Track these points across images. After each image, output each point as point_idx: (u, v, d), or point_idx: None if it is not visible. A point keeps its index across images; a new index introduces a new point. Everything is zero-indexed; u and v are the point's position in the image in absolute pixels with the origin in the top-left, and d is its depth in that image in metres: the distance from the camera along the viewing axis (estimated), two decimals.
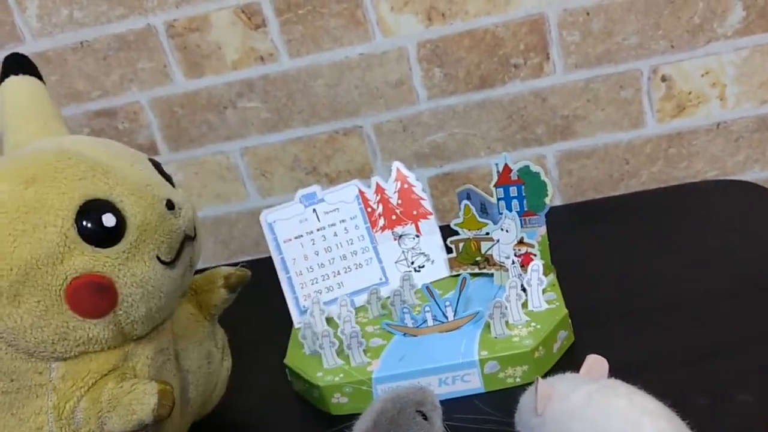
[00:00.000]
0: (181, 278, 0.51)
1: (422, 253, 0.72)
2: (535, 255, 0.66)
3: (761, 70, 0.82)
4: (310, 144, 0.91)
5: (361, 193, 0.71)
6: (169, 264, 0.49)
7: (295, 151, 0.91)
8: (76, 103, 0.89)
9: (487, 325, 0.61)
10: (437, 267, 0.72)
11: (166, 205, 0.49)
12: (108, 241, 0.46)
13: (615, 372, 0.48)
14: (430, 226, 0.72)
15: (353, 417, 0.51)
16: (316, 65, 0.86)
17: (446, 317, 0.63)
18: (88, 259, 0.46)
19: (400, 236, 0.72)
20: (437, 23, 0.83)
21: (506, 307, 0.60)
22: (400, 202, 0.71)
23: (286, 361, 0.65)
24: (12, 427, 0.49)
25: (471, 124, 0.88)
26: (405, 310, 0.63)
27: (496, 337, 0.60)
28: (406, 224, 0.72)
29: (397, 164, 0.71)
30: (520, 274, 0.63)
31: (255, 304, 0.69)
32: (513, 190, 0.67)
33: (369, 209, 0.71)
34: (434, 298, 0.63)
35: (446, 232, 0.70)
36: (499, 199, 0.67)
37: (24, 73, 0.57)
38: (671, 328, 0.61)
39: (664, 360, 0.57)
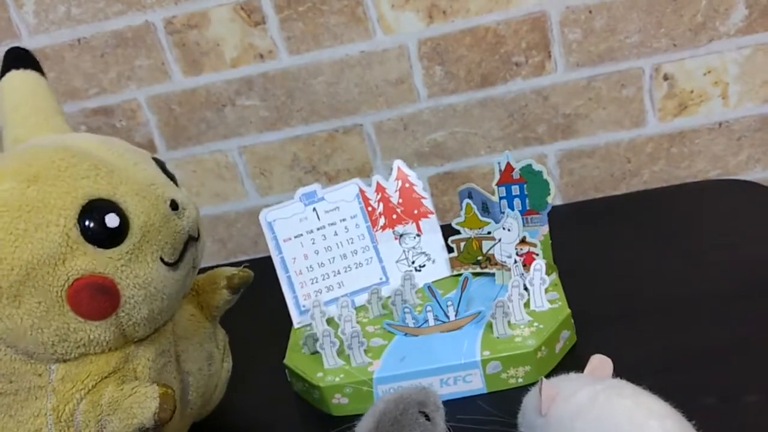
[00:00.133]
0: (184, 279, 0.51)
1: (423, 253, 0.71)
2: (537, 254, 0.65)
3: (764, 69, 0.82)
4: (309, 142, 0.90)
5: (362, 191, 0.70)
6: (173, 265, 0.49)
7: (295, 150, 0.90)
8: (72, 101, 0.89)
9: (489, 325, 0.61)
10: (438, 266, 0.71)
11: (170, 205, 0.48)
12: (111, 241, 0.46)
13: (618, 373, 0.47)
14: (431, 225, 0.71)
15: (354, 418, 0.50)
16: (316, 63, 0.85)
17: (448, 317, 0.62)
18: (91, 260, 0.45)
19: (401, 235, 0.71)
20: (438, 21, 0.83)
21: (509, 307, 0.60)
22: (400, 201, 0.71)
23: (286, 361, 0.64)
24: (10, 429, 0.48)
25: (472, 123, 0.87)
26: (406, 309, 0.63)
27: (498, 337, 0.60)
28: (406, 223, 0.71)
29: (398, 163, 0.71)
30: (523, 274, 0.63)
31: (254, 304, 0.68)
32: (515, 189, 0.66)
33: (369, 208, 0.70)
34: (436, 298, 0.62)
35: (447, 231, 0.70)
36: (500, 198, 0.67)
37: (25, 67, 0.56)
38: (674, 328, 0.60)
39: (668, 361, 0.57)
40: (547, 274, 0.63)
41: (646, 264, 0.70)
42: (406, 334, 0.63)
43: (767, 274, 0.64)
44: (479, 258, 0.69)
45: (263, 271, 0.70)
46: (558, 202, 0.89)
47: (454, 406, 0.51)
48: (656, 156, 0.87)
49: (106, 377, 0.48)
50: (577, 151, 0.88)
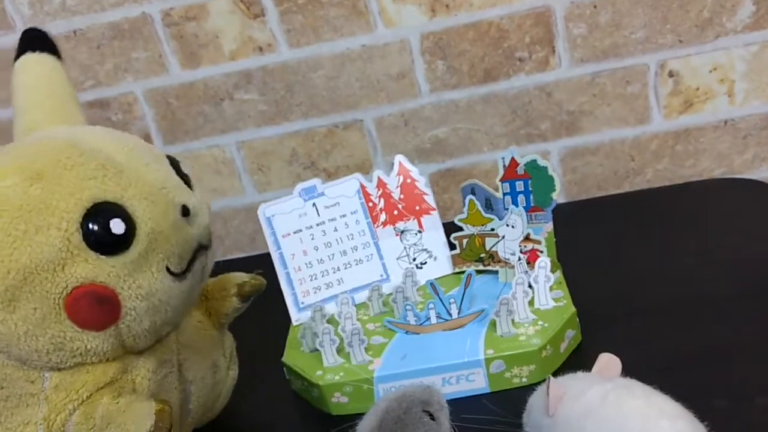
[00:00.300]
0: (190, 290, 0.48)
1: (424, 250, 0.70)
2: (541, 251, 0.64)
3: None
4: (308, 138, 0.89)
5: (363, 187, 0.69)
6: (179, 276, 0.46)
7: (293, 145, 0.89)
8: None
9: (493, 323, 0.59)
10: (440, 264, 0.70)
11: (181, 211, 0.46)
12: (114, 248, 0.43)
13: (624, 372, 0.46)
14: (433, 222, 0.70)
15: (353, 417, 0.49)
16: (316, 56, 0.84)
17: (450, 315, 0.61)
18: (92, 268, 0.43)
19: (402, 232, 0.70)
20: (441, 15, 0.81)
21: (513, 305, 0.59)
22: (402, 196, 0.70)
23: (285, 359, 0.63)
24: None
25: (474, 119, 0.86)
26: (408, 307, 0.61)
27: (501, 336, 0.59)
28: (408, 220, 0.70)
29: (399, 158, 0.70)
30: (527, 271, 0.62)
31: (252, 300, 0.66)
32: (519, 185, 0.65)
33: (370, 204, 0.69)
34: (438, 295, 0.61)
35: (449, 228, 0.69)
36: (504, 194, 0.66)
37: (42, 50, 0.53)
38: (679, 327, 0.60)
39: (674, 360, 0.56)
40: (552, 271, 0.62)
41: (650, 263, 0.69)
42: (407, 332, 0.62)
43: None
44: (482, 255, 0.68)
45: (261, 267, 0.69)
46: (561, 200, 0.88)
47: (456, 405, 0.50)
48: (661, 154, 0.86)
49: (101, 388, 0.46)
50: (580, 148, 0.87)
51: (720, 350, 0.56)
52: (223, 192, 0.92)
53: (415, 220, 0.70)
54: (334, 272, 0.68)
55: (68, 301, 0.42)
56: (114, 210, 0.43)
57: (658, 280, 0.66)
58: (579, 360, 0.57)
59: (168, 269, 0.45)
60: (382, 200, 0.70)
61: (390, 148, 0.88)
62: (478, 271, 0.67)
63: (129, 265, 0.43)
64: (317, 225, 0.68)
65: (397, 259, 0.70)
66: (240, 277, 0.58)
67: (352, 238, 0.69)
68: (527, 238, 0.64)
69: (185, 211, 0.46)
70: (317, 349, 0.60)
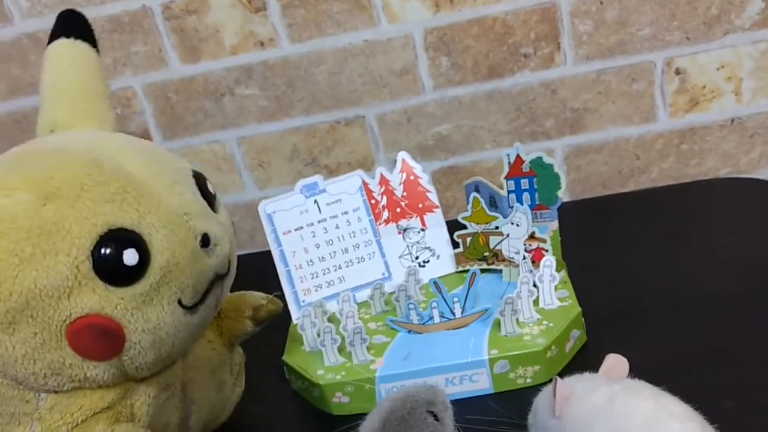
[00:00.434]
0: (201, 322, 0.46)
1: (427, 248, 0.69)
2: (546, 250, 0.63)
3: None
4: (309, 134, 0.88)
5: (365, 184, 0.68)
6: (191, 309, 0.44)
7: (294, 141, 0.88)
8: None
9: (497, 323, 0.59)
10: (443, 262, 0.69)
11: (201, 241, 0.43)
12: (125, 280, 0.41)
13: (631, 374, 0.45)
14: (436, 220, 0.69)
15: (355, 417, 0.48)
16: (318, 51, 0.83)
17: (454, 314, 0.60)
18: (99, 299, 0.40)
19: (405, 230, 0.69)
20: (445, 10, 0.80)
21: (518, 304, 0.58)
22: (405, 194, 0.69)
23: (285, 358, 0.62)
24: None
25: (478, 116, 0.85)
26: (410, 306, 0.60)
27: (506, 336, 0.58)
28: (411, 217, 0.69)
29: (402, 155, 0.69)
30: (532, 270, 0.61)
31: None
32: (524, 183, 0.64)
33: (372, 201, 0.68)
34: (442, 294, 0.60)
35: (452, 226, 0.68)
36: (509, 192, 0.65)
37: (77, 36, 0.50)
38: (685, 327, 0.59)
39: (680, 361, 0.55)
40: (557, 270, 0.61)
41: (655, 263, 0.68)
42: (409, 331, 0.61)
43: None
44: (486, 254, 0.67)
45: (261, 264, 0.68)
46: (564, 198, 0.87)
47: (460, 406, 0.49)
48: (666, 153, 0.85)
49: (98, 413, 0.44)
50: (585, 146, 0.86)
51: (727, 350, 0.55)
52: (223, 188, 0.91)
53: (418, 218, 0.69)
54: (335, 270, 0.67)
55: (70, 330, 0.40)
56: (129, 238, 0.41)
57: (663, 280, 0.66)
58: (584, 360, 0.56)
59: (180, 302, 0.43)
60: (384, 197, 0.69)
61: (392, 144, 0.87)
62: (482, 270, 0.66)
63: (138, 298, 0.41)
64: (318, 222, 0.67)
65: (400, 257, 0.69)
66: (257, 299, 0.56)
67: (353, 236, 0.68)
68: (532, 237, 0.64)
69: (205, 241, 0.44)
70: (318, 348, 0.59)
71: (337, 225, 0.68)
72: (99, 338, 0.41)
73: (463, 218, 0.67)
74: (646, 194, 0.85)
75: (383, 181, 0.69)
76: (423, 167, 0.69)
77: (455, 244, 0.68)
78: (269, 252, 0.66)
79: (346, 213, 0.68)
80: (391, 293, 0.65)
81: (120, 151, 0.44)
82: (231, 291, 0.55)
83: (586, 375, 0.47)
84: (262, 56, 0.84)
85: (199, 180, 0.47)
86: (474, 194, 0.66)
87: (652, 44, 0.80)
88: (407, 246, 0.69)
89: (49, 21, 0.82)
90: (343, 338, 0.59)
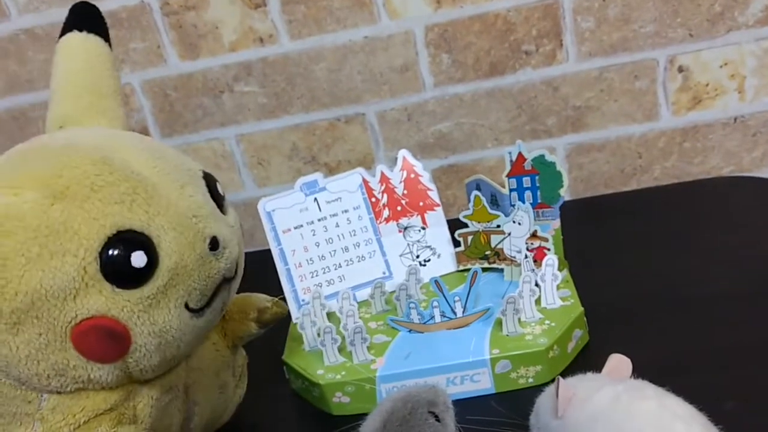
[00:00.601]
0: (207, 325, 0.45)
1: (428, 247, 0.69)
2: (548, 249, 0.63)
3: None
4: (309, 132, 0.87)
5: (365, 182, 0.68)
6: (198, 312, 0.43)
7: (294, 139, 0.87)
8: None
9: (498, 323, 0.58)
10: (444, 261, 0.68)
11: (210, 243, 0.43)
12: (132, 282, 0.40)
13: (633, 374, 0.45)
14: (437, 218, 0.69)
15: (355, 418, 0.48)
16: (318, 48, 0.82)
17: (455, 313, 0.59)
18: (105, 301, 0.40)
19: (405, 228, 0.68)
20: (446, 6, 0.80)
21: (520, 304, 0.57)
22: (405, 192, 0.68)
23: (285, 358, 0.61)
24: None
25: (479, 114, 0.84)
26: (411, 305, 0.60)
27: (508, 335, 0.57)
28: (411, 216, 0.68)
29: (403, 152, 0.68)
30: (534, 269, 0.60)
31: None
32: (526, 181, 0.64)
33: (373, 199, 0.68)
34: (443, 293, 0.59)
35: (453, 224, 0.67)
36: (511, 190, 0.64)
37: (90, 30, 0.49)
38: (686, 328, 0.58)
39: (683, 361, 0.55)
40: (559, 269, 0.60)
41: (655, 263, 0.68)
42: (410, 331, 0.60)
43: None
44: (487, 253, 0.66)
45: (261, 263, 0.67)
46: (566, 197, 0.86)
47: (461, 406, 0.49)
48: (668, 151, 0.85)
49: (100, 414, 0.43)
50: (587, 144, 0.85)
51: (730, 350, 0.55)
52: (222, 186, 0.91)
53: (419, 217, 0.69)
54: (335, 269, 0.67)
55: (76, 331, 0.40)
56: (138, 240, 0.40)
57: (666, 279, 0.65)
58: (586, 360, 0.56)
59: (186, 305, 0.42)
60: (385, 196, 0.68)
61: (392, 142, 0.87)
62: (483, 269, 0.65)
63: (145, 301, 0.41)
64: (319, 220, 0.67)
65: (400, 256, 0.68)
66: (262, 301, 0.55)
67: (354, 234, 0.67)
68: (534, 235, 0.63)
69: (214, 244, 0.43)
70: (318, 348, 0.58)
71: (337, 223, 0.67)
72: (104, 340, 0.41)
73: (465, 217, 0.66)
74: (649, 193, 0.84)
75: (384, 179, 0.68)
76: (423, 165, 0.68)
77: (456, 243, 0.68)
78: (269, 250, 0.66)
79: (346, 211, 0.67)
80: (392, 292, 0.64)
81: (130, 151, 0.44)
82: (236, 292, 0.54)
83: (589, 375, 0.47)
84: (262, 53, 0.83)
85: (209, 181, 0.46)
86: (475, 192, 0.65)
87: (655, 41, 0.80)
88: (408, 244, 0.68)
89: (47, 17, 0.83)
90: (343, 338, 0.58)
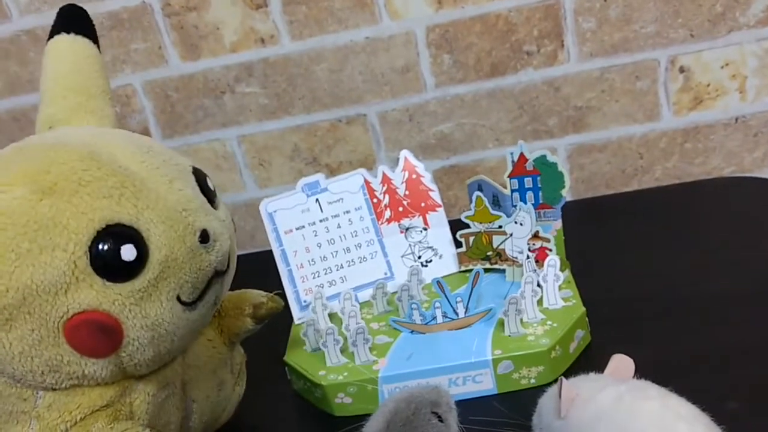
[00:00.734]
0: (201, 319, 0.45)
1: (430, 247, 0.68)
2: (550, 250, 0.63)
3: None
4: (310, 132, 0.87)
5: (367, 183, 0.68)
6: (190, 305, 0.43)
7: (295, 140, 0.87)
8: None
9: (500, 323, 0.58)
10: (445, 262, 0.68)
11: (200, 236, 0.43)
12: (123, 275, 0.40)
13: (636, 374, 0.45)
14: (439, 219, 0.69)
15: (357, 418, 0.48)
16: (319, 49, 0.82)
17: (457, 314, 0.59)
18: (96, 295, 0.40)
19: (407, 229, 0.68)
20: (447, 6, 0.80)
21: (522, 304, 0.57)
22: (407, 193, 0.68)
23: (286, 358, 0.61)
24: None
25: (480, 114, 0.84)
26: (413, 306, 0.60)
27: (510, 336, 0.57)
28: (413, 216, 0.68)
29: (405, 153, 0.68)
30: (535, 270, 0.60)
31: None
32: (528, 182, 0.64)
33: (375, 200, 0.68)
34: (445, 294, 0.59)
35: (455, 225, 0.67)
36: (512, 191, 0.64)
37: (77, 31, 0.50)
38: (688, 328, 0.58)
39: (685, 361, 0.54)
40: (561, 270, 0.60)
41: (657, 264, 0.68)
42: (412, 332, 0.60)
43: None
44: (489, 253, 0.66)
45: (262, 264, 0.67)
46: (567, 198, 0.86)
47: (463, 406, 0.48)
48: (669, 151, 0.85)
49: (97, 411, 0.43)
50: (588, 145, 0.85)
51: (732, 351, 0.55)
52: (223, 187, 0.91)
53: (421, 217, 0.68)
54: (337, 270, 0.67)
55: (68, 326, 0.40)
56: (127, 234, 0.40)
57: (667, 279, 0.65)
58: (588, 361, 0.55)
59: (179, 298, 0.42)
60: (386, 196, 0.68)
61: (394, 143, 0.86)
62: (485, 270, 0.65)
63: (136, 294, 0.41)
64: (320, 221, 0.67)
65: (402, 256, 0.68)
66: (257, 296, 0.55)
67: (355, 235, 0.67)
68: (536, 236, 0.63)
69: (204, 237, 0.43)
70: (320, 348, 0.58)
71: (338, 224, 0.67)
72: (96, 334, 0.41)
73: (466, 217, 0.66)
74: (650, 193, 0.84)
75: (385, 179, 0.68)
76: (425, 166, 0.68)
77: (458, 244, 0.68)
78: (270, 251, 0.66)
79: (348, 212, 0.67)
80: (394, 293, 0.64)
81: (118, 147, 0.44)
82: (231, 290, 0.54)
83: (592, 375, 0.46)
84: (263, 54, 0.83)
85: (199, 176, 0.47)
86: (477, 193, 0.65)
87: (656, 42, 0.80)
88: (409, 245, 0.68)
89: (48, 17, 0.82)
90: (345, 338, 0.58)
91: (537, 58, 0.81)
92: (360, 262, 0.67)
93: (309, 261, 0.66)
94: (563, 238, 0.65)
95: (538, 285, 0.59)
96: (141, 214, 0.41)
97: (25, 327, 0.40)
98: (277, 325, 0.65)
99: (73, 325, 0.40)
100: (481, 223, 0.66)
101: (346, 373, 0.57)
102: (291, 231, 0.66)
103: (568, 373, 0.54)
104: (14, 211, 0.39)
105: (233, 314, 0.54)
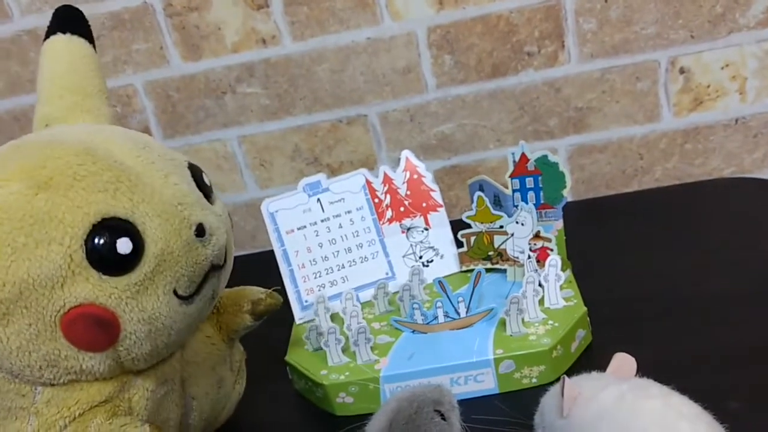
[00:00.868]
0: (198, 313, 0.45)
1: (431, 247, 0.69)
2: (551, 249, 0.63)
3: None
4: (311, 133, 0.87)
5: (368, 182, 0.68)
6: (187, 299, 0.43)
7: (296, 140, 0.88)
8: None
9: (502, 323, 0.58)
10: (447, 262, 0.68)
11: (196, 230, 0.43)
12: (119, 269, 0.40)
13: (637, 373, 0.45)
14: (440, 219, 0.69)
15: (359, 418, 0.48)
16: (321, 49, 0.83)
17: (458, 314, 0.59)
18: (92, 288, 0.40)
19: (408, 229, 0.68)
20: (449, 7, 0.80)
21: (523, 304, 0.57)
22: (408, 193, 0.68)
23: (288, 358, 0.61)
24: None
25: (481, 115, 0.84)
26: (415, 305, 0.60)
27: (511, 335, 0.57)
28: (414, 216, 0.68)
29: (406, 153, 0.68)
30: (537, 270, 0.60)
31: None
32: (529, 182, 0.64)
33: (376, 200, 0.68)
34: (446, 293, 0.59)
35: (456, 225, 0.67)
36: (514, 191, 0.64)
37: (73, 32, 0.50)
38: (688, 328, 0.58)
39: (686, 361, 0.55)
40: (562, 270, 0.61)
41: (659, 262, 0.68)
42: (414, 331, 0.60)
43: None
44: (490, 253, 0.66)
45: (264, 264, 0.67)
46: (568, 198, 0.87)
47: (465, 406, 0.48)
48: (670, 152, 0.85)
49: (95, 406, 0.43)
50: (588, 146, 0.85)
51: (733, 350, 0.55)
52: (223, 187, 0.91)
53: (422, 217, 0.69)
54: (338, 270, 0.67)
55: (65, 320, 0.40)
56: (122, 227, 0.40)
57: (667, 279, 0.65)
58: (589, 360, 0.55)
59: (175, 292, 0.43)
60: (388, 196, 0.68)
61: (395, 143, 0.87)
62: (486, 270, 0.66)
63: (133, 287, 0.41)
64: (322, 221, 0.67)
65: (403, 256, 0.68)
66: (255, 293, 0.55)
67: (357, 235, 0.67)
68: (537, 236, 0.63)
69: (200, 231, 0.43)
70: (321, 348, 0.58)
71: (340, 224, 0.67)
72: (93, 328, 0.41)
73: (468, 217, 0.66)
74: (650, 194, 0.84)
75: (387, 179, 0.68)
76: (426, 166, 0.69)
77: (459, 244, 0.68)
78: (271, 251, 0.66)
79: (349, 212, 0.67)
80: (395, 293, 0.64)
81: (114, 143, 0.44)
82: (231, 287, 0.54)
83: (594, 374, 0.47)
84: (264, 54, 0.83)
85: (195, 171, 0.47)
86: (478, 193, 0.65)
87: (657, 43, 0.80)
88: (411, 245, 0.69)
89: (49, 17, 0.82)
90: (347, 338, 0.58)
91: (538, 58, 0.82)
92: (361, 262, 0.67)
93: (310, 261, 0.66)
94: (564, 238, 0.65)
95: (540, 285, 0.59)
96: (136, 207, 0.41)
97: (22, 321, 0.40)
98: (277, 324, 0.65)
99: (69, 319, 0.40)
100: (482, 223, 0.66)
101: (347, 373, 0.57)
102: (292, 231, 0.66)
103: (569, 372, 0.53)
104: (10, 206, 0.40)
105: (232, 311, 0.54)
